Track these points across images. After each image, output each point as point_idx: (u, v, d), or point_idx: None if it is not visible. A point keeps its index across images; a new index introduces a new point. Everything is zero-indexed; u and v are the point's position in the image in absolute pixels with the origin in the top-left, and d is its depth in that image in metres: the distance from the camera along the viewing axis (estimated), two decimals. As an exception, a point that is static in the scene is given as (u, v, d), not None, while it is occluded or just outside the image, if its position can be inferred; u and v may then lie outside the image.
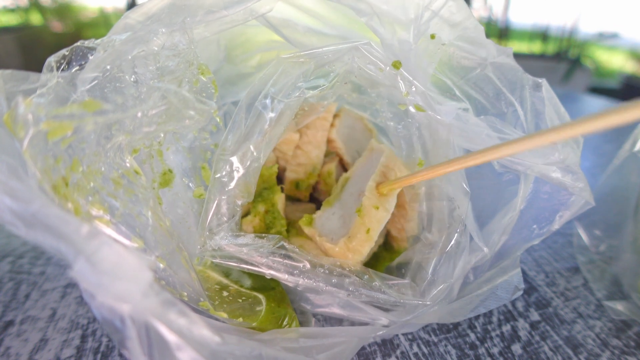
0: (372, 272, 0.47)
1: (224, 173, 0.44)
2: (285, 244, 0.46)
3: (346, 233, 0.46)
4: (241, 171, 0.44)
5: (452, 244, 0.46)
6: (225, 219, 0.45)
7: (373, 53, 0.43)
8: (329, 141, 0.56)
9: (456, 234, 0.46)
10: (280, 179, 0.60)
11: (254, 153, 0.45)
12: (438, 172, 0.39)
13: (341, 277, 0.45)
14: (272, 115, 0.43)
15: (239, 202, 0.46)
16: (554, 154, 0.43)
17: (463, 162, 0.36)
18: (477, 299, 0.42)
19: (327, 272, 0.45)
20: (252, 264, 0.44)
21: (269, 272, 0.44)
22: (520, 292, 0.41)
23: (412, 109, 0.45)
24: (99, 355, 0.46)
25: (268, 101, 0.44)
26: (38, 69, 0.34)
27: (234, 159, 0.44)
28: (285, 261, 0.45)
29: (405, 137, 0.50)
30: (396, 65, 0.43)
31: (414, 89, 0.43)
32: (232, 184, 0.45)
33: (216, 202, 0.45)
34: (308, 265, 0.45)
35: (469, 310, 0.42)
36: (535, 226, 0.46)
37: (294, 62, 0.44)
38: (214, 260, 0.44)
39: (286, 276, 0.44)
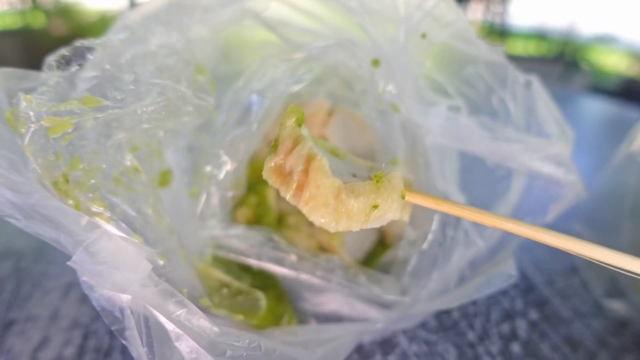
0: (358, 268, 0.48)
1: (213, 166, 0.46)
2: (274, 236, 0.47)
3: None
4: (229, 164, 0.46)
5: (428, 241, 0.47)
6: (217, 210, 0.46)
7: (354, 50, 0.44)
8: (323, 138, 0.57)
9: (430, 233, 0.47)
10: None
11: (241, 147, 0.46)
12: (483, 219, 0.32)
13: (326, 270, 0.46)
14: (257, 110, 0.44)
15: (230, 194, 0.47)
16: (548, 148, 0.44)
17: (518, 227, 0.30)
18: (472, 287, 0.42)
19: (313, 265, 0.46)
20: (241, 254, 0.46)
21: (257, 263, 0.46)
22: (514, 279, 0.42)
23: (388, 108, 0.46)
24: (100, 354, 0.47)
25: (254, 97, 0.45)
26: (39, 71, 0.35)
27: (222, 152, 0.46)
28: (273, 253, 0.46)
29: (384, 135, 0.51)
30: (375, 63, 0.44)
31: (389, 88, 0.44)
32: (221, 176, 0.46)
33: (206, 194, 0.46)
34: (295, 258, 0.46)
35: (463, 296, 0.42)
36: (528, 219, 0.47)
37: (279, 59, 0.45)
38: (205, 249, 0.45)
39: (273, 267, 0.46)
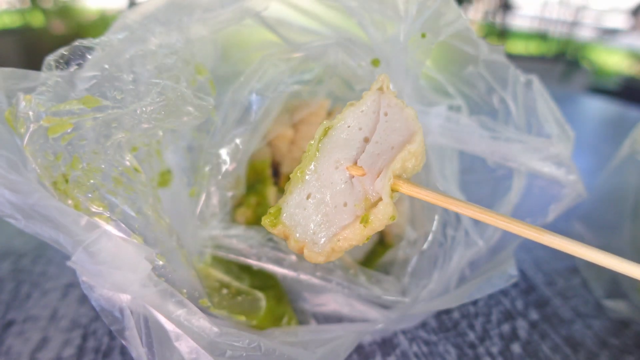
0: (358, 268, 0.48)
1: (212, 166, 0.46)
2: (274, 236, 0.46)
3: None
4: (228, 163, 0.46)
5: (428, 241, 0.47)
6: (216, 210, 0.46)
7: (354, 49, 0.44)
8: None
9: (431, 233, 0.47)
10: (278, 173, 0.60)
11: (240, 147, 0.46)
12: (475, 214, 0.33)
13: (327, 270, 0.46)
14: (257, 110, 0.44)
15: (229, 194, 0.47)
16: (548, 148, 0.44)
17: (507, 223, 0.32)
18: (473, 287, 0.42)
19: (312, 265, 0.46)
20: (241, 254, 0.46)
21: (257, 263, 0.46)
22: (514, 280, 0.42)
23: None
24: (99, 355, 0.47)
25: (253, 97, 0.45)
26: (39, 71, 0.35)
27: (222, 152, 0.46)
28: (273, 253, 0.46)
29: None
30: (375, 62, 0.44)
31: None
32: (220, 176, 0.46)
33: (205, 194, 0.46)
34: (294, 258, 0.46)
35: (464, 296, 0.42)
36: (529, 219, 0.47)
37: (279, 59, 0.45)
38: (205, 249, 0.45)
39: (273, 267, 0.46)
